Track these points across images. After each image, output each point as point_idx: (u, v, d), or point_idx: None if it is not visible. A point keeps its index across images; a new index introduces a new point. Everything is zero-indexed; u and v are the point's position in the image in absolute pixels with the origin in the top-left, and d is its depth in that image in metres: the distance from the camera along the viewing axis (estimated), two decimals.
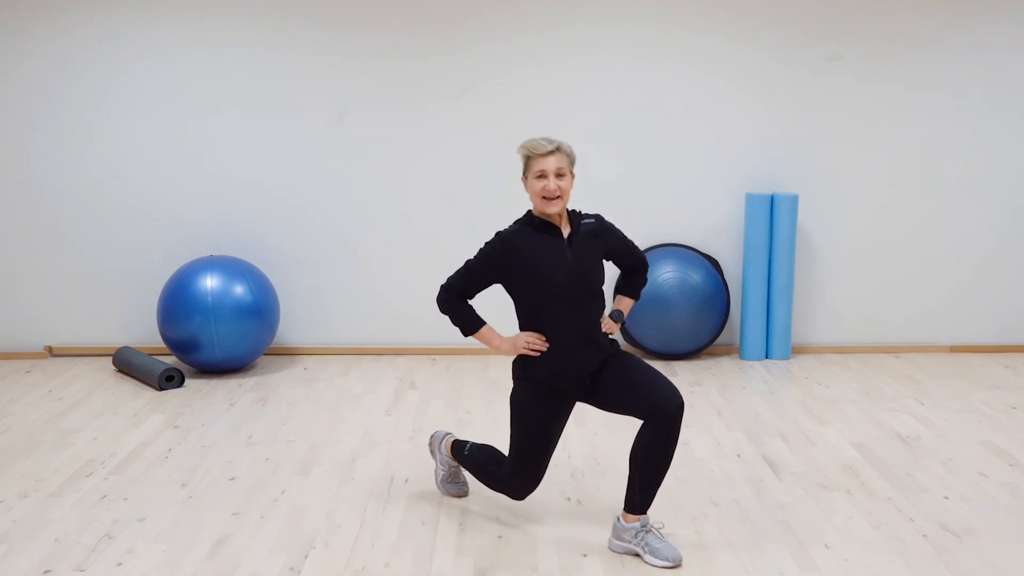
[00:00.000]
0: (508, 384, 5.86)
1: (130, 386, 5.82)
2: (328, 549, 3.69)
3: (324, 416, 5.27)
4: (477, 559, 3.61)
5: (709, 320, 6.22)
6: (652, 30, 6.30)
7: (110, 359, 6.27)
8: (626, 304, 3.94)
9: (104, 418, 5.23)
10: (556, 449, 4.69)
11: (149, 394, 5.65)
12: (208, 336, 5.78)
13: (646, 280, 3.97)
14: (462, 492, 4.15)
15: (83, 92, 6.26)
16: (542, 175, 3.57)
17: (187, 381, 5.87)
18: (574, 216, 3.73)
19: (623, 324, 3.84)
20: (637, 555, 3.60)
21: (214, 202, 6.37)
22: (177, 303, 5.83)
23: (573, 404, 3.77)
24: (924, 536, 3.77)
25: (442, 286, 3.77)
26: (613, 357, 3.73)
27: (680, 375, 6.02)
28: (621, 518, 3.65)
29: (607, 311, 3.82)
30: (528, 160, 3.61)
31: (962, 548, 3.67)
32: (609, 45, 6.30)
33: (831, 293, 6.56)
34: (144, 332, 6.40)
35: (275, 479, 4.37)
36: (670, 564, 3.53)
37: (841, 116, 6.38)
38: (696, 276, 6.16)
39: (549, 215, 3.63)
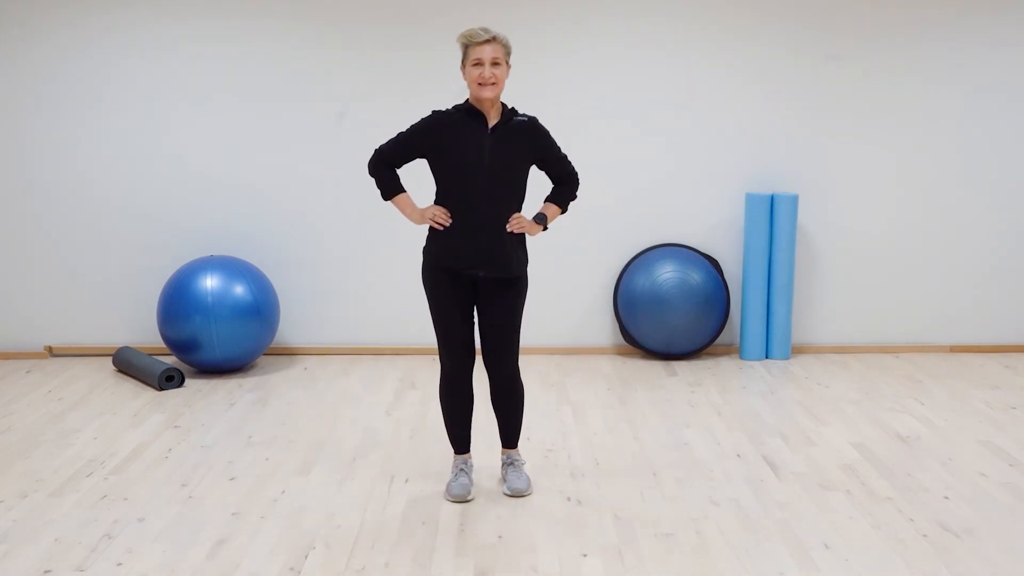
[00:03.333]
0: None
1: (130, 386, 5.82)
2: (328, 549, 3.69)
3: (324, 416, 5.27)
4: (477, 559, 3.61)
5: (709, 320, 6.22)
6: (652, 30, 6.30)
7: (110, 359, 6.26)
8: (551, 210, 4.07)
9: (104, 418, 5.23)
10: (556, 448, 4.70)
11: (149, 394, 5.65)
12: (208, 336, 5.78)
13: (574, 194, 4.14)
14: (464, 494, 4.14)
15: (82, 92, 6.26)
16: (478, 63, 3.79)
17: (187, 381, 5.87)
18: (507, 111, 3.91)
19: (545, 228, 4.05)
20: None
21: (214, 202, 6.37)
22: (177, 303, 5.83)
23: (468, 290, 3.98)
24: (924, 536, 3.77)
25: (375, 150, 4.03)
26: (509, 288, 3.95)
27: (680, 375, 6.02)
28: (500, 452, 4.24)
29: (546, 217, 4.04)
30: (466, 48, 3.83)
31: (962, 548, 3.67)
32: (609, 45, 6.30)
33: (831, 293, 6.56)
34: (144, 332, 6.40)
35: (275, 479, 4.37)
36: (510, 493, 4.10)
37: (841, 116, 6.38)
38: (696, 276, 6.16)
39: (482, 101, 3.82)
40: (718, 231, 6.48)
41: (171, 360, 6.25)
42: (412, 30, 6.26)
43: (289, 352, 6.52)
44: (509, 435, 4.24)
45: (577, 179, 4.12)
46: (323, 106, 6.32)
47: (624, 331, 6.38)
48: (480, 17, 6.21)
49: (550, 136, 4.00)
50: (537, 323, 6.49)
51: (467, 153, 3.85)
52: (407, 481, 4.34)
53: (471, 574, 3.49)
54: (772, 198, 6.26)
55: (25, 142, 6.31)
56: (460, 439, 4.23)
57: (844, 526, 3.86)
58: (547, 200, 4.12)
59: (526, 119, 3.94)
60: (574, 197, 4.14)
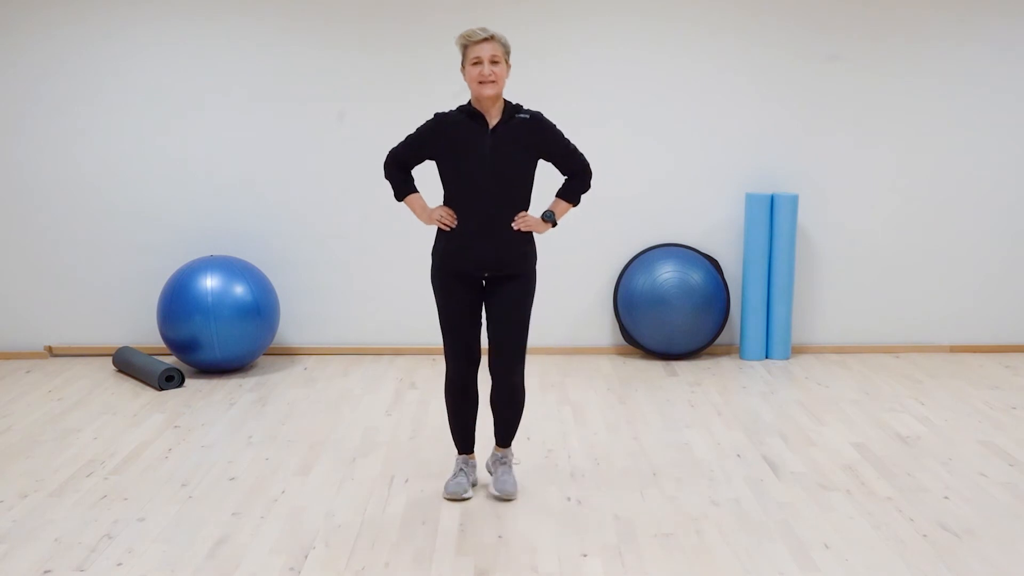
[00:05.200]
0: None
1: (130, 386, 5.82)
2: (328, 549, 3.69)
3: (324, 416, 5.27)
4: (477, 559, 3.61)
5: (709, 320, 6.22)
6: (652, 30, 6.30)
7: (110, 359, 6.27)
8: (561, 207, 4.07)
9: (104, 418, 5.23)
10: (556, 448, 4.70)
11: (149, 394, 5.65)
12: (208, 336, 5.78)
13: (587, 186, 4.09)
14: (459, 492, 4.13)
15: (82, 91, 6.26)
16: (477, 61, 3.79)
17: (187, 381, 5.86)
18: (510, 109, 3.90)
19: (554, 224, 4.04)
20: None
21: (214, 202, 6.37)
22: (177, 303, 5.83)
23: (476, 292, 4.00)
24: (924, 536, 3.77)
25: (389, 151, 4.07)
26: (515, 284, 3.97)
27: (680, 375, 6.02)
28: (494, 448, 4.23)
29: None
30: (465, 48, 3.83)
31: (962, 548, 3.67)
32: (609, 45, 6.30)
33: (831, 293, 6.56)
34: (144, 332, 6.40)
35: (275, 479, 4.37)
36: (497, 494, 4.07)
37: (841, 116, 6.38)
38: (696, 276, 6.16)
39: (483, 100, 3.83)
40: (718, 231, 6.48)
41: (171, 360, 6.25)
42: (412, 30, 6.26)
43: (289, 352, 6.52)
44: (505, 435, 4.22)
45: (589, 171, 4.07)
46: (323, 106, 6.32)
47: (624, 331, 6.38)
48: (481, 17, 6.21)
49: (555, 129, 3.97)
50: (537, 323, 6.45)
51: (469, 154, 3.85)
52: (407, 481, 4.34)
53: (471, 574, 3.49)
54: (772, 198, 6.26)
55: (25, 142, 6.31)
56: (463, 440, 4.23)
57: (844, 526, 3.86)
58: (557, 195, 4.11)
59: (528, 115, 3.92)
60: (586, 189, 4.10)
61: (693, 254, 6.31)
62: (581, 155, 4.06)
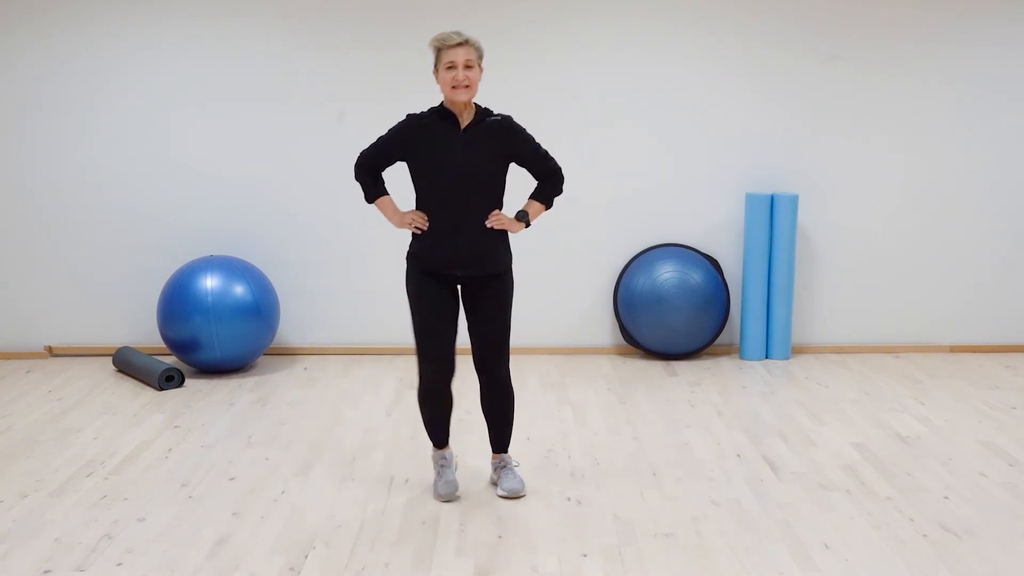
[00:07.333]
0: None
1: (130, 386, 5.82)
2: (328, 549, 3.69)
3: (324, 416, 5.27)
4: (477, 559, 3.61)
5: (709, 320, 6.22)
6: (652, 29, 6.30)
7: (110, 359, 6.27)
8: (534, 208, 4.06)
9: (104, 418, 5.23)
10: (556, 448, 4.70)
11: (149, 394, 5.65)
12: (208, 336, 5.78)
13: (558, 190, 4.09)
14: (452, 492, 4.11)
15: (81, 92, 6.26)
16: (452, 66, 3.80)
17: (187, 381, 5.87)
18: (481, 112, 3.91)
19: (527, 224, 4.04)
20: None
21: (214, 202, 6.37)
22: (177, 303, 5.83)
23: (452, 296, 3.99)
24: (924, 536, 3.77)
25: (359, 154, 4.07)
26: (493, 285, 3.95)
27: (680, 375, 6.02)
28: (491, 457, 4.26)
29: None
30: (439, 52, 3.84)
31: (962, 548, 3.67)
32: (609, 45, 6.30)
33: (831, 293, 6.56)
34: (144, 332, 6.40)
35: (275, 479, 4.37)
36: (505, 493, 4.11)
37: (841, 116, 6.38)
38: (696, 276, 6.16)
39: (456, 104, 3.84)
40: (718, 231, 6.48)
41: (171, 360, 6.25)
42: (412, 29, 6.25)
43: (289, 352, 6.52)
44: (501, 440, 4.22)
45: (560, 174, 4.07)
46: (323, 106, 6.32)
47: (624, 331, 6.38)
48: (481, 17, 6.24)
49: (525, 133, 3.98)
50: (537, 323, 6.50)
51: (440, 156, 3.86)
52: (407, 481, 4.33)
53: (471, 574, 3.49)
54: (772, 198, 6.26)
55: (25, 142, 6.31)
56: (441, 436, 4.21)
57: (844, 526, 3.86)
58: (531, 197, 4.11)
59: (499, 118, 3.93)
60: (558, 192, 4.10)
61: (693, 254, 6.31)
62: (552, 159, 4.04)
